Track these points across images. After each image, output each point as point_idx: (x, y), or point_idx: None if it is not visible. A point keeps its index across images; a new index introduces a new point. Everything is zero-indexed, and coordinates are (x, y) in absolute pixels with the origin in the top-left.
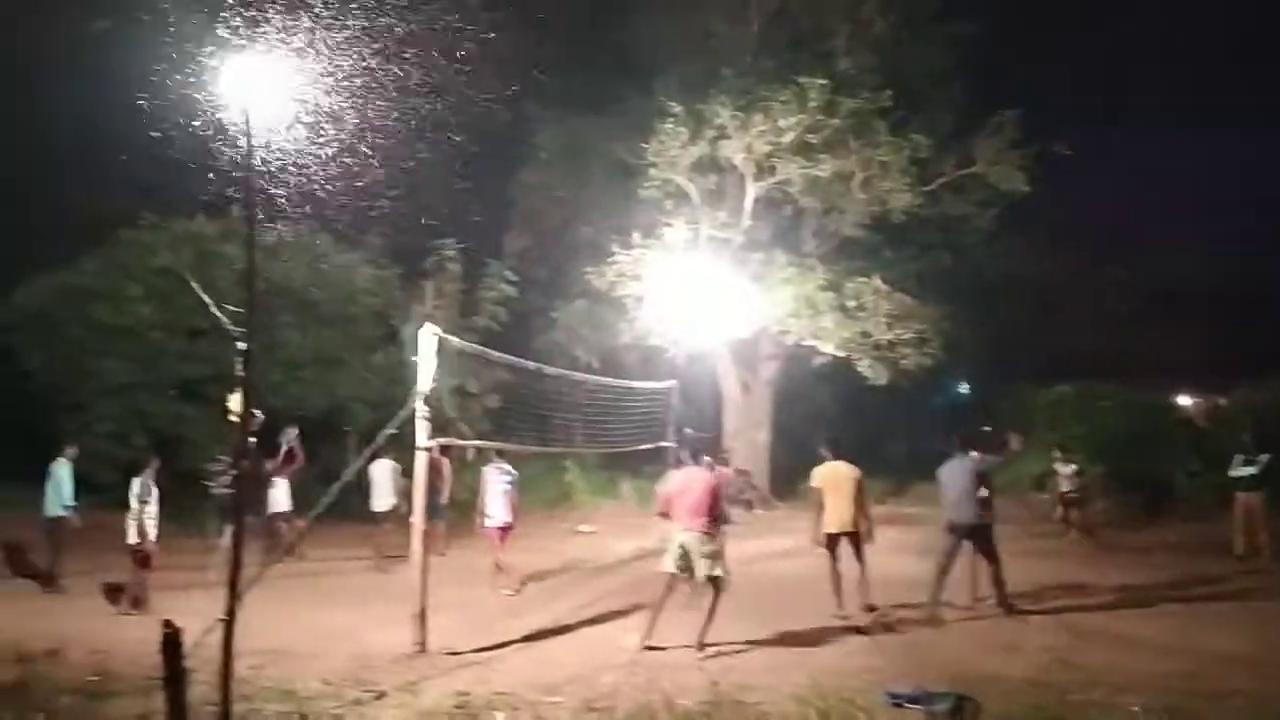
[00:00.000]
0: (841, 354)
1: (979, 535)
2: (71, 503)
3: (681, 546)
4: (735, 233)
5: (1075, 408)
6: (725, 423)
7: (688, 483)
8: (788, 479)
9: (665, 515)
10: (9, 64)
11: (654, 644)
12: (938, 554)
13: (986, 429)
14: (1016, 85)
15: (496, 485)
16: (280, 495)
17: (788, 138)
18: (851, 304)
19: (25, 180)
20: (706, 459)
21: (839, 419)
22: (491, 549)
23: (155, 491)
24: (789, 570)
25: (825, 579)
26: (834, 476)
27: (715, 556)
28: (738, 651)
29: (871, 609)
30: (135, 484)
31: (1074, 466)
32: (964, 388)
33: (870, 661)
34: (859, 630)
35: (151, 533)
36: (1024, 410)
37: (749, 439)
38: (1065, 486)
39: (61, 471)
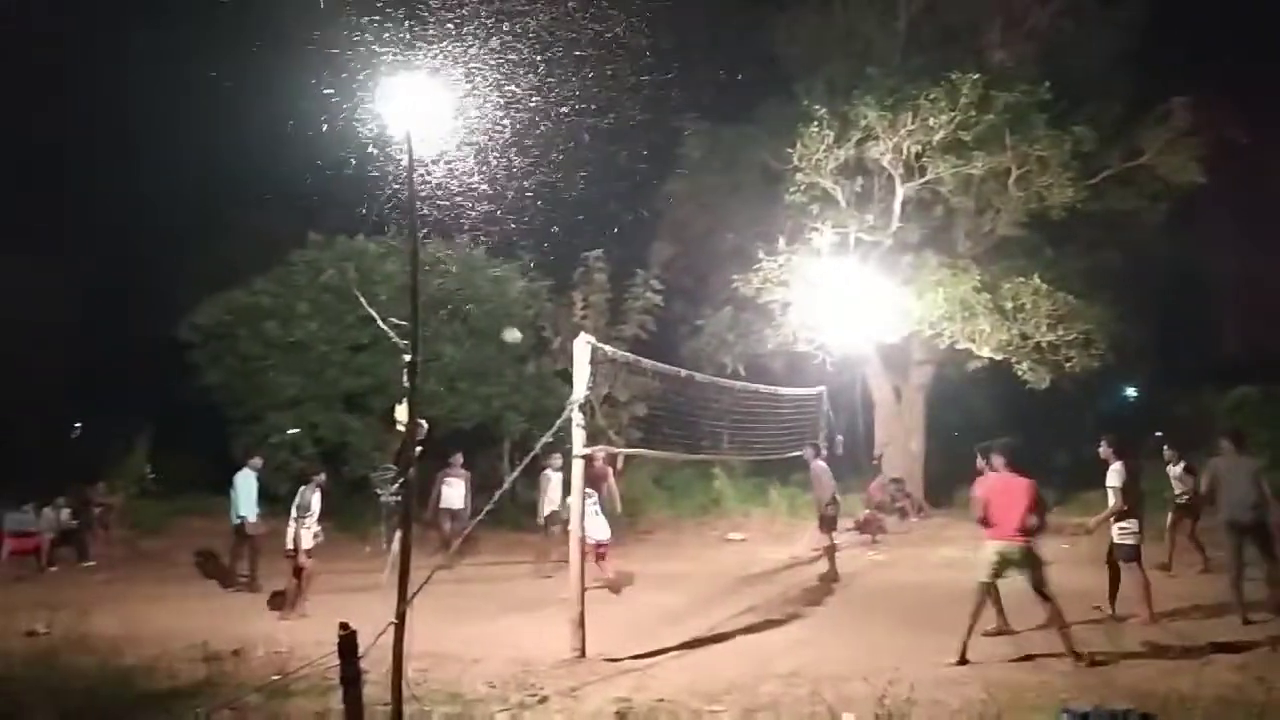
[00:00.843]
0: (999, 357)
1: (1259, 534)
2: (246, 511)
3: (999, 557)
4: (884, 235)
5: (1259, 411)
6: (877, 429)
7: (1005, 489)
8: (944, 487)
9: (983, 523)
10: (184, 96)
11: (968, 658)
12: (1227, 563)
13: (1158, 434)
14: (1190, 70)
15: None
16: (455, 494)
17: (938, 136)
18: (1009, 305)
19: (202, 205)
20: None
21: (997, 425)
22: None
23: (317, 505)
24: (952, 580)
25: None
26: None
27: (1035, 568)
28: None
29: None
30: (298, 496)
31: (1183, 464)
32: (1130, 391)
33: (1045, 677)
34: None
35: (306, 543)
36: (1201, 414)
37: (901, 446)
38: (1177, 490)
39: (244, 480)
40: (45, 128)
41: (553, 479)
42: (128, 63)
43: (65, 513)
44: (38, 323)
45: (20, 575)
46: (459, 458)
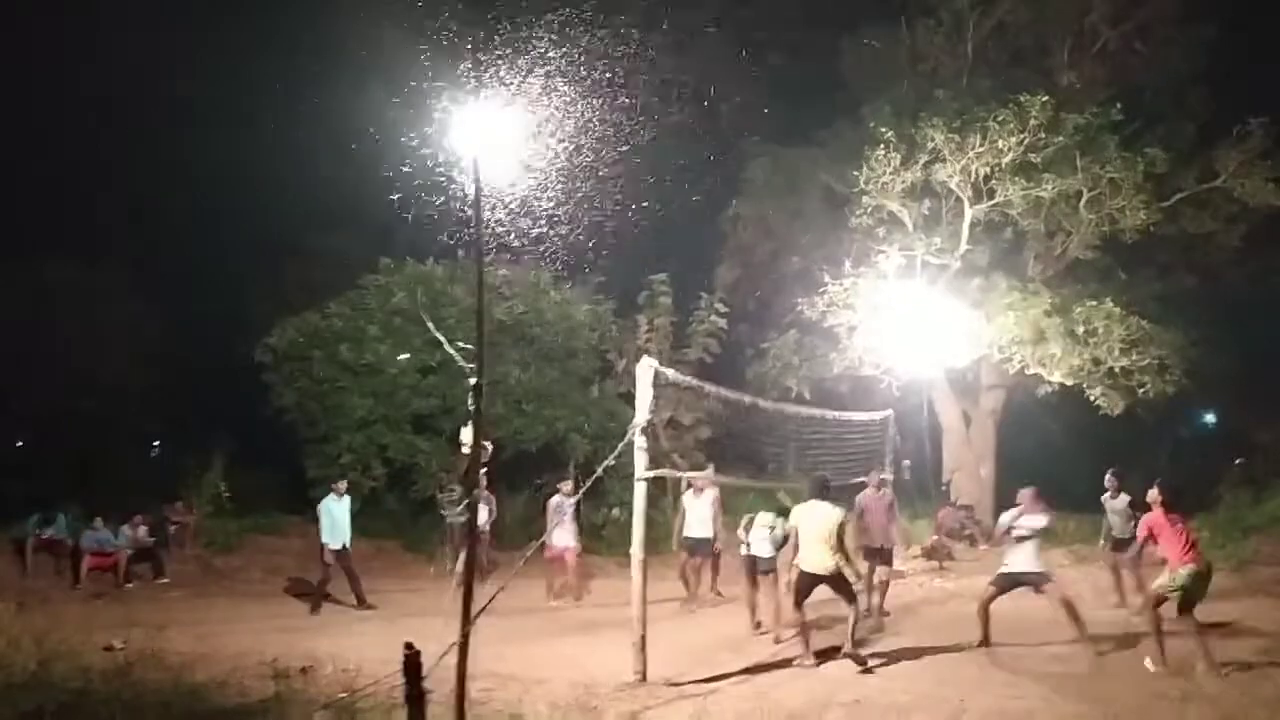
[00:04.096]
0: (1071, 383)
1: None
2: (326, 538)
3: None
4: (952, 258)
5: None
6: (945, 455)
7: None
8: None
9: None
10: (261, 122)
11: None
12: None
13: (1239, 461)
14: (1267, 89)
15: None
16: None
17: (1007, 158)
18: (1081, 329)
19: (278, 229)
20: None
21: (1070, 452)
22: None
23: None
24: (1021, 610)
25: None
26: None
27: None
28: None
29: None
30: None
31: (1125, 499)
32: (1209, 418)
33: (1115, 711)
34: None
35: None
36: None
37: (971, 472)
38: (1115, 526)
39: (323, 507)
40: (125, 152)
41: (692, 504)
42: (208, 91)
43: (143, 530)
44: (117, 343)
45: (99, 591)
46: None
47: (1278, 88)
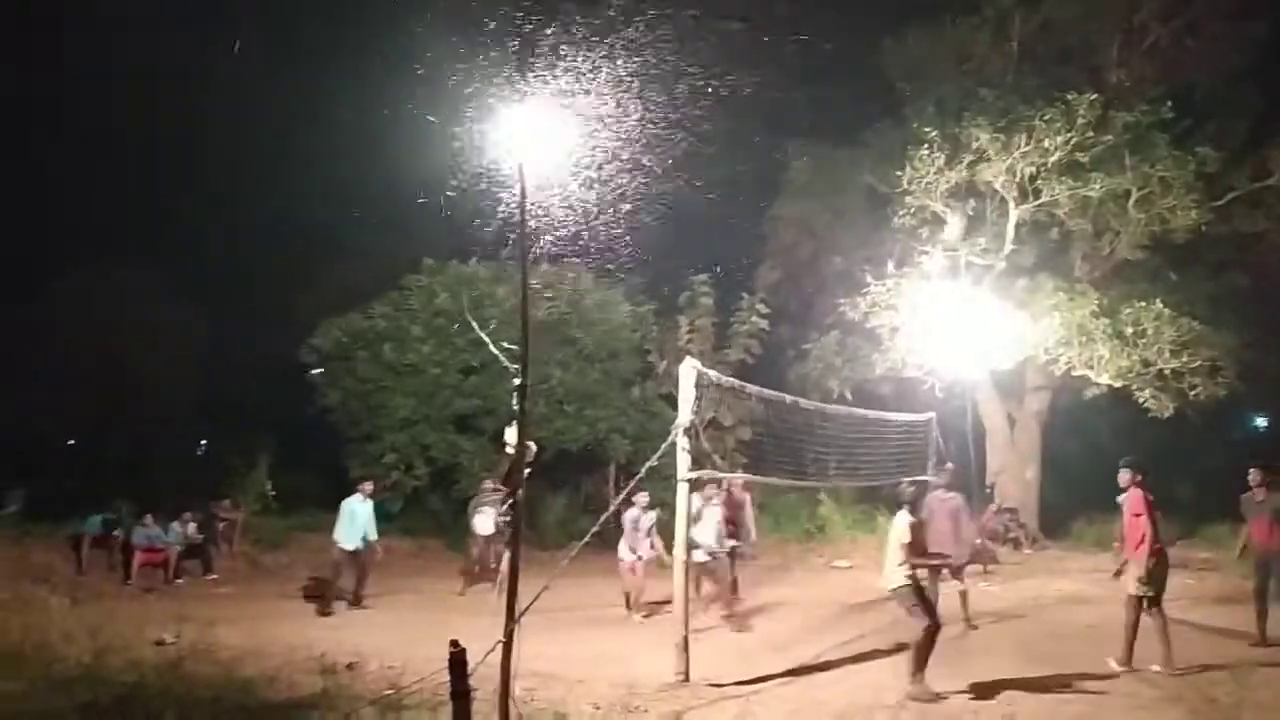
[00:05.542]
0: (1119, 384)
1: None
2: (336, 535)
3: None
4: (997, 259)
5: None
6: (989, 457)
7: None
8: (1060, 518)
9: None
10: (306, 124)
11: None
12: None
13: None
14: None
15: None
16: (484, 521)
17: (1054, 158)
18: (1129, 330)
19: (323, 231)
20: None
21: (1117, 455)
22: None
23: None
24: (1067, 614)
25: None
26: None
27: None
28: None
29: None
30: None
31: None
32: (1261, 420)
33: (1168, 715)
34: None
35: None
36: None
37: (1015, 475)
38: None
39: (345, 505)
40: (173, 156)
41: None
42: (253, 93)
43: (192, 527)
44: (168, 343)
45: (149, 587)
46: (488, 483)
47: None
